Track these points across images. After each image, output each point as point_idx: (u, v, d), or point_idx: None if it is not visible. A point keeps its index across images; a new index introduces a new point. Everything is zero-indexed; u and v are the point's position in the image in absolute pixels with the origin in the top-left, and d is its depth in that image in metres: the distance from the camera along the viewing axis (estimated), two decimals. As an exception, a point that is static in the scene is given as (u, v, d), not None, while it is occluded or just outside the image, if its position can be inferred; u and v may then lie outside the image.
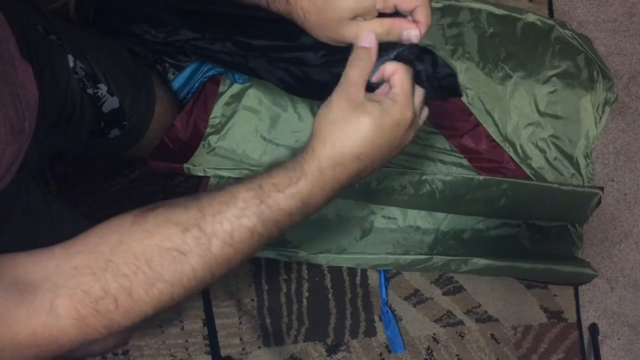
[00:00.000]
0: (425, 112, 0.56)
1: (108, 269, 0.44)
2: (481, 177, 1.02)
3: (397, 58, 0.53)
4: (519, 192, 1.03)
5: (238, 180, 0.48)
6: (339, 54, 0.55)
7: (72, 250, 0.46)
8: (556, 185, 1.05)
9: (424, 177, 0.99)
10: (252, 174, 0.49)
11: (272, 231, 0.48)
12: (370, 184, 0.99)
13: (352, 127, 0.48)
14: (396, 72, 0.51)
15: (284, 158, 0.49)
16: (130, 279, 0.44)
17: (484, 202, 1.05)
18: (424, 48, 0.54)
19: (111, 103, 0.80)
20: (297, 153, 0.49)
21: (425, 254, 1.01)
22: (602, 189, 1.07)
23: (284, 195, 0.47)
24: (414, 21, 0.54)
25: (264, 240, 0.48)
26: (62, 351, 0.45)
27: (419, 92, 0.54)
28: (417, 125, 0.54)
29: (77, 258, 0.45)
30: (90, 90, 0.76)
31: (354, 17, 0.53)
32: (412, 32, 0.53)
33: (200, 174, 0.96)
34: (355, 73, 0.50)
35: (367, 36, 0.51)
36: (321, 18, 0.53)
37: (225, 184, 0.49)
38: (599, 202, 1.07)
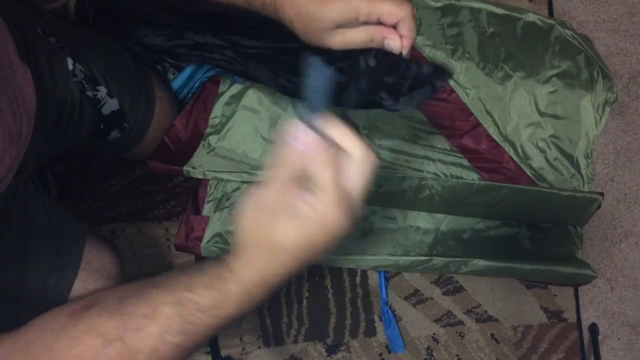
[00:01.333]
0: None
1: None
2: (481, 183, 1.02)
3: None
4: (518, 197, 1.03)
5: (156, 283, 0.46)
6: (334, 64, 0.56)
7: (14, 346, 0.46)
8: (556, 191, 1.05)
9: (423, 182, 0.99)
10: (173, 279, 0.46)
11: (201, 341, 0.46)
12: None
13: (275, 254, 0.44)
14: (316, 168, 0.42)
15: (205, 266, 0.46)
16: None
17: (483, 205, 1.05)
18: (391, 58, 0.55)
19: (111, 105, 0.79)
20: (219, 268, 0.45)
21: (426, 255, 1.00)
22: (602, 194, 1.06)
23: (208, 315, 0.45)
24: (399, 35, 0.55)
25: (194, 347, 0.46)
26: None
27: (356, 171, 0.44)
28: (360, 202, 0.46)
29: (14, 355, 0.45)
30: (89, 93, 0.76)
31: (337, 27, 0.54)
32: (393, 43, 0.54)
33: (200, 176, 0.96)
34: (277, 184, 0.43)
35: (303, 136, 0.42)
36: (307, 27, 0.55)
37: (144, 286, 0.46)
38: (599, 206, 1.07)
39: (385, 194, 1.00)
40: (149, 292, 0.45)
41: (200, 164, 0.97)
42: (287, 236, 0.43)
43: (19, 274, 0.68)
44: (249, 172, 0.96)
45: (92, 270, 0.77)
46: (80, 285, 0.75)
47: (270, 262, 0.44)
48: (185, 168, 0.96)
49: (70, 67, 0.72)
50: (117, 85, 0.80)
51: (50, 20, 0.72)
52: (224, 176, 0.96)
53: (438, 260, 0.99)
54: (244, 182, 1.00)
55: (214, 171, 0.96)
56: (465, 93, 1.09)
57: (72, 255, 0.76)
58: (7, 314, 0.64)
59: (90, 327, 0.44)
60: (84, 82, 0.75)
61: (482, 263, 1.00)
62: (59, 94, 0.70)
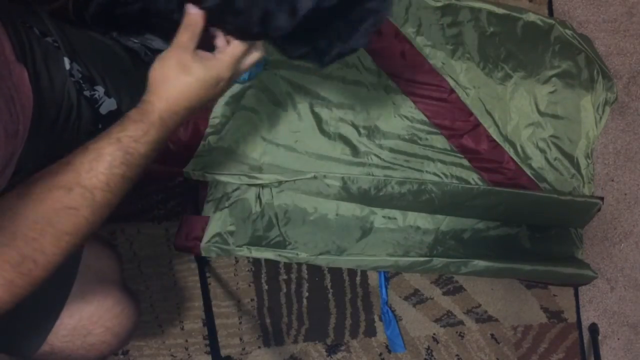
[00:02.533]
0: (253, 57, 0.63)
1: (17, 238, 0.50)
2: (481, 187, 1.02)
3: None
4: (518, 201, 1.03)
5: (96, 138, 0.56)
6: None
7: None
8: (555, 196, 1.05)
9: (422, 187, 0.99)
10: (105, 132, 0.56)
11: (138, 170, 0.58)
12: (368, 191, 0.99)
13: (182, 86, 0.59)
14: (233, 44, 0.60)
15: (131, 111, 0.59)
16: (39, 240, 0.51)
17: (483, 208, 1.05)
18: None
19: (108, 105, 0.79)
20: (139, 104, 0.59)
21: (425, 256, 1.00)
22: (602, 199, 1.06)
23: (141, 143, 0.56)
24: None
25: (134, 177, 0.57)
26: None
27: (253, 56, 0.62)
28: (239, 70, 0.63)
29: None
30: (87, 93, 0.76)
31: None
32: None
33: (200, 178, 0.96)
34: (185, 38, 0.58)
35: (193, 10, 0.58)
36: None
37: (85, 145, 0.56)
38: (599, 209, 1.07)
39: (385, 197, 1.00)
40: (90, 145, 0.55)
41: (200, 165, 0.97)
42: (197, 75, 0.59)
43: None
44: (248, 175, 0.96)
45: (90, 273, 0.76)
46: (79, 288, 0.74)
47: (181, 95, 0.59)
48: (185, 170, 0.95)
49: (67, 66, 0.72)
50: (115, 85, 0.80)
51: (47, 21, 0.72)
52: (224, 178, 0.96)
53: (438, 261, 0.99)
54: (243, 184, 1.00)
55: (214, 173, 0.96)
56: (465, 93, 1.09)
57: (70, 258, 0.75)
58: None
59: (49, 186, 0.52)
60: (82, 81, 0.74)
61: (482, 264, 1.00)
62: (56, 94, 0.70)
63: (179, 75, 0.59)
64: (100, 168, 0.54)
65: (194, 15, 0.58)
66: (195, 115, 0.65)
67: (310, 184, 0.98)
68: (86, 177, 0.53)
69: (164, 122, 0.58)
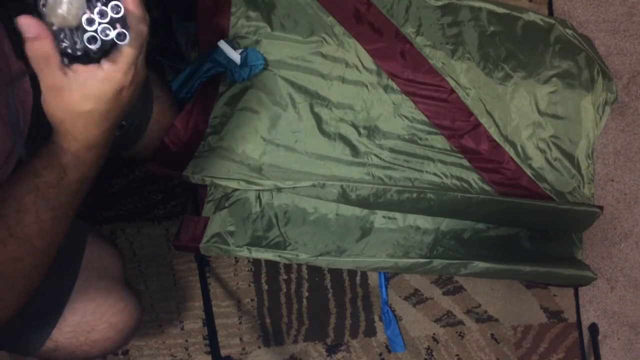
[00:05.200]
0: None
1: None
2: (480, 197, 1.02)
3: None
4: (516, 210, 1.03)
5: (14, 182, 0.52)
6: None
7: None
8: (554, 205, 1.05)
9: (421, 195, 0.99)
10: (19, 175, 0.52)
11: (70, 208, 0.54)
12: (367, 198, 0.99)
13: (82, 116, 0.50)
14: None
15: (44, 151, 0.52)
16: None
17: (482, 214, 1.05)
18: None
19: None
20: (50, 148, 0.52)
21: (425, 257, 1.00)
22: (601, 208, 1.06)
23: (62, 187, 0.52)
24: None
25: (70, 212, 0.55)
26: None
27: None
28: (140, 71, 0.52)
29: None
30: None
31: None
32: None
33: (199, 182, 0.95)
34: (43, 69, 0.47)
35: (27, 25, 0.46)
36: None
37: (5, 189, 0.52)
38: (597, 217, 1.07)
39: (384, 203, 1.00)
40: (6, 194, 0.52)
41: (200, 167, 0.97)
42: (86, 100, 0.49)
43: None
44: (247, 180, 0.95)
45: (93, 269, 0.77)
46: (81, 284, 0.75)
47: (86, 127, 0.50)
48: (184, 174, 0.95)
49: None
50: None
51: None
52: (223, 182, 0.95)
53: (438, 263, 0.99)
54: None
55: (213, 177, 0.95)
56: (466, 93, 1.09)
57: (72, 255, 0.75)
58: None
59: None
60: None
61: (481, 265, 1.00)
62: None
63: (73, 106, 0.49)
64: (27, 219, 0.51)
65: (34, 35, 0.46)
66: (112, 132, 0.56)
67: (309, 190, 0.98)
68: (17, 228, 0.51)
69: (81, 158, 0.52)
